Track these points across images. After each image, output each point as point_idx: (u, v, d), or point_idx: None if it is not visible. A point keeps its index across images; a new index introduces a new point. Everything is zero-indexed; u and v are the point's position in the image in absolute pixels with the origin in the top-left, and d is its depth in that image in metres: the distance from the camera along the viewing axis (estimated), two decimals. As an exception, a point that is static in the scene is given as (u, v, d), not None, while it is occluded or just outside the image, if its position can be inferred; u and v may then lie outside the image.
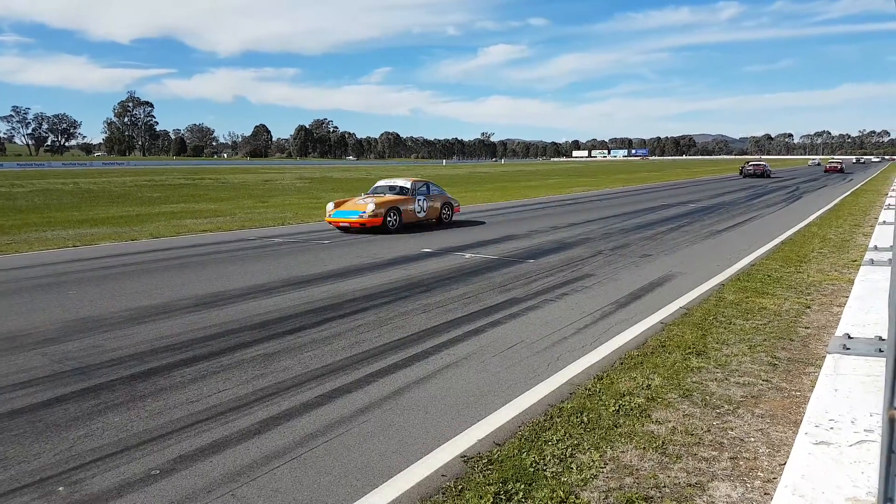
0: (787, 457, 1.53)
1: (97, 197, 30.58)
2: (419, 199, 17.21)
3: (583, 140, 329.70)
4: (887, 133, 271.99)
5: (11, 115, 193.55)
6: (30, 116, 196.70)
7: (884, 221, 11.83)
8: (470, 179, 55.70)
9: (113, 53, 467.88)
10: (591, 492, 3.65)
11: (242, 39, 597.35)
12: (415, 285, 9.37)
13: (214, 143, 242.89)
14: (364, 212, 15.68)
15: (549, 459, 4.02)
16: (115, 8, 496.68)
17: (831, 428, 1.56)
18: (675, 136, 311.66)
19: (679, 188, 39.75)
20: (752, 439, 4.32)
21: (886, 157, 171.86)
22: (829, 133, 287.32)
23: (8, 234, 15.77)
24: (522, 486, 3.67)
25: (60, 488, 3.67)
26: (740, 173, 57.57)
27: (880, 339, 2.07)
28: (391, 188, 17.58)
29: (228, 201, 28.02)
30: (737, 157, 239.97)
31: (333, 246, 13.69)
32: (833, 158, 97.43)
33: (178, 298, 8.49)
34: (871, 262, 3.32)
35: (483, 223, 18.86)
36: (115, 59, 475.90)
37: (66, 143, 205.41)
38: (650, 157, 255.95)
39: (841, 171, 66.75)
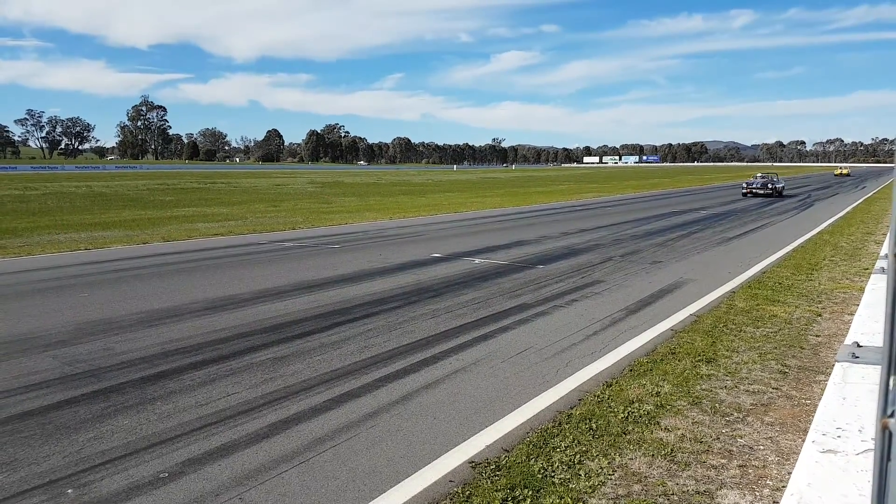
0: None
1: (110, 200, 30.82)
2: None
3: (594, 146, 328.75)
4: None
5: (26, 119, 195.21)
6: (44, 120, 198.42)
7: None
8: (480, 185, 55.72)
9: (131, 58, 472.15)
10: (599, 499, 3.64)
11: (258, 45, 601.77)
12: (424, 290, 9.38)
13: (227, 148, 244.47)
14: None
15: (558, 466, 4.01)
16: (135, 14, 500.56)
17: (839, 437, 1.55)
18: (686, 142, 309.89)
19: (690, 195, 39.60)
20: (762, 447, 4.29)
21: None
22: (842, 140, 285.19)
23: (21, 236, 15.93)
24: (530, 493, 3.67)
25: (69, 490, 3.70)
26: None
27: (890, 347, 2.06)
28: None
29: (240, 205, 28.17)
30: (749, 164, 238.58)
31: (344, 250, 13.73)
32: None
33: (189, 302, 8.54)
34: (882, 271, 3.29)
35: (493, 229, 18.87)
36: (134, 63, 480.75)
37: (80, 147, 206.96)
38: (662, 164, 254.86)
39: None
